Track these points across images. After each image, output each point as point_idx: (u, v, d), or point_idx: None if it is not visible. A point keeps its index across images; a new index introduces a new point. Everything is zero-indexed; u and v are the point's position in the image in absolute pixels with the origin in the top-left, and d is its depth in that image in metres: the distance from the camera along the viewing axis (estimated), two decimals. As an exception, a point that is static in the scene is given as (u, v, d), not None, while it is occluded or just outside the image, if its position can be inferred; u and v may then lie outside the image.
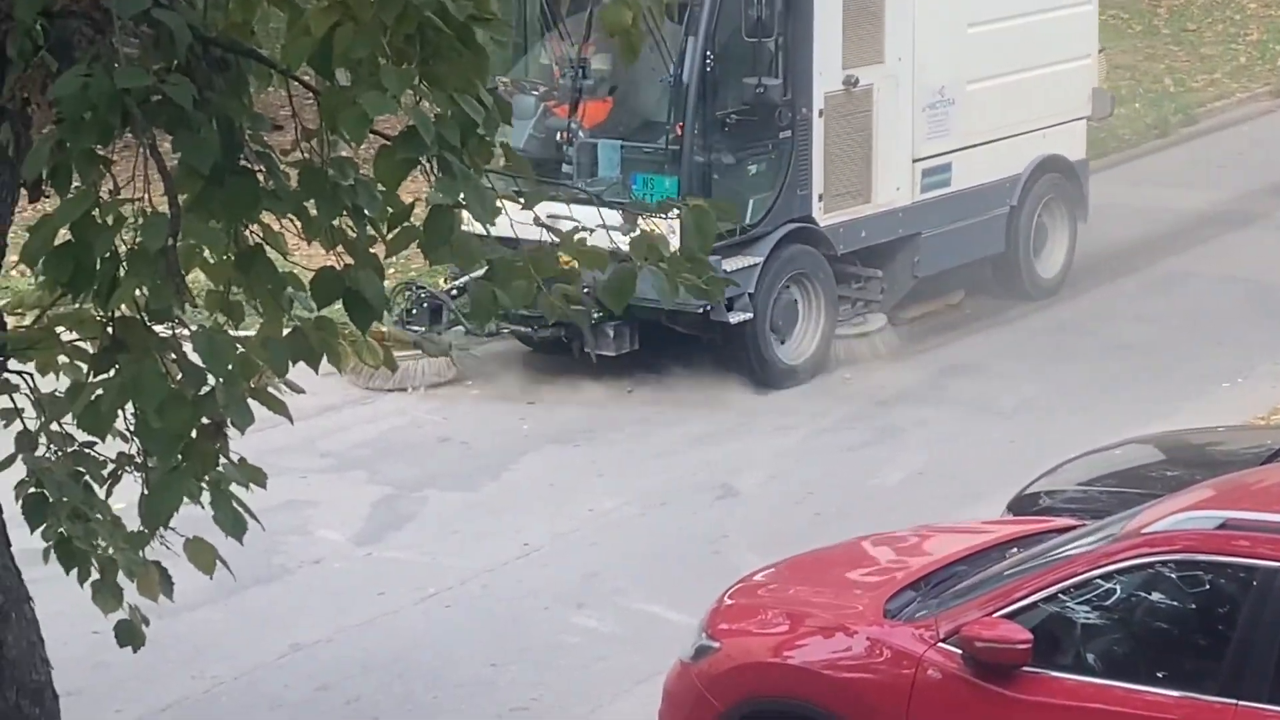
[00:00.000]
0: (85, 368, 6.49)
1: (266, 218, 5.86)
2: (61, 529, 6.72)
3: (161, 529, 6.34)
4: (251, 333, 5.96)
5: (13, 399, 6.67)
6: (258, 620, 11.79)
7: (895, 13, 16.15)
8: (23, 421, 6.76)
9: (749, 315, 15.22)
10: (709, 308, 14.82)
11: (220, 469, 6.22)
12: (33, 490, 6.64)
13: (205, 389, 5.78)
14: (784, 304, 15.62)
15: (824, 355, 15.89)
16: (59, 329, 6.70)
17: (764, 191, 15.61)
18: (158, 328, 5.77)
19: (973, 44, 16.74)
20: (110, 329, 5.84)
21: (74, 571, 6.96)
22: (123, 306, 5.72)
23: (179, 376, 5.70)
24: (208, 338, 5.57)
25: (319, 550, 12.82)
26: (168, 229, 5.36)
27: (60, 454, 6.81)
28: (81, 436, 6.72)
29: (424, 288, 15.81)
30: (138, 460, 6.66)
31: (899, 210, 16.51)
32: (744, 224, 15.27)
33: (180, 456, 5.88)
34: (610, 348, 15.08)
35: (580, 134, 15.63)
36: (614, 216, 6.18)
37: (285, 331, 5.86)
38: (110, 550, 6.79)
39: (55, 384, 6.84)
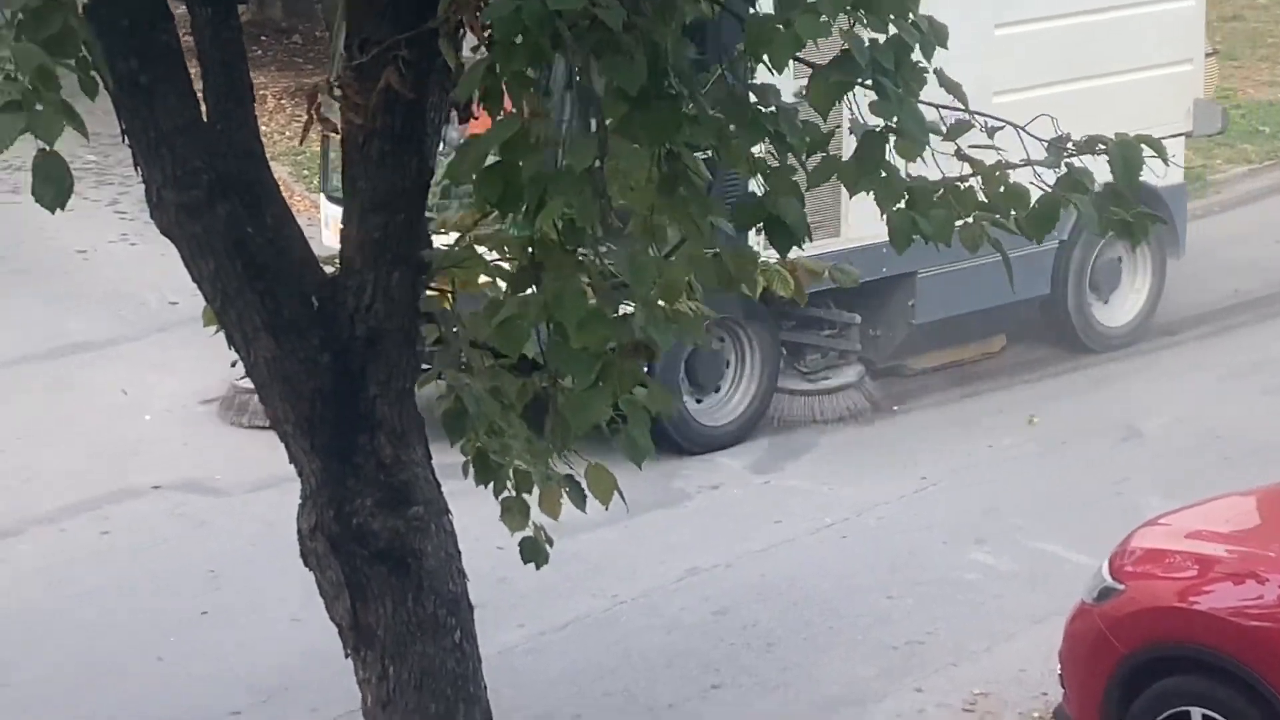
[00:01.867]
0: (505, 286, 6.65)
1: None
2: (479, 444, 6.88)
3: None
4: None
5: (436, 317, 6.84)
6: (656, 543, 11.96)
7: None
8: (444, 338, 6.92)
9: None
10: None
11: (632, 393, 6.28)
12: (452, 405, 6.80)
13: (624, 310, 5.86)
14: (705, 357, 13.25)
15: (757, 416, 13.57)
16: (480, 249, 6.86)
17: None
18: (578, 249, 5.87)
19: (1002, 49, 13.78)
20: (531, 249, 5.95)
21: (482, 488, 7.14)
22: (546, 227, 5.82)
23: (601, 295, 5.79)
24: (631, 257, 5.65)
25: (718, 476, 12.94)
26: (595, 150, 5.44)
27: (478, 370, 6.96)
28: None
29: None
30: (547, 381, 6.78)
31: (883, 245, 14.40)
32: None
33: (597, 376, 5.96)
34: None
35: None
36: (1037, 150, 6.06)
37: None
38: (523, 466, 6.93)
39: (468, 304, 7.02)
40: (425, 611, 6.56)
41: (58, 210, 5.10)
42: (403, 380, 6.58)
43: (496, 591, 10.64)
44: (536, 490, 6.95)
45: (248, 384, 13.39)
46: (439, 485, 6.70)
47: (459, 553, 6.72)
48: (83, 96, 5.31)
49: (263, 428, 12.36)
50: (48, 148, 4.99)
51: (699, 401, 13.34)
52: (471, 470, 7.02)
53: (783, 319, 13.61)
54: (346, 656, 6.74)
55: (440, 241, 6.80)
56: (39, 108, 4.92)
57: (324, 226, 13.90)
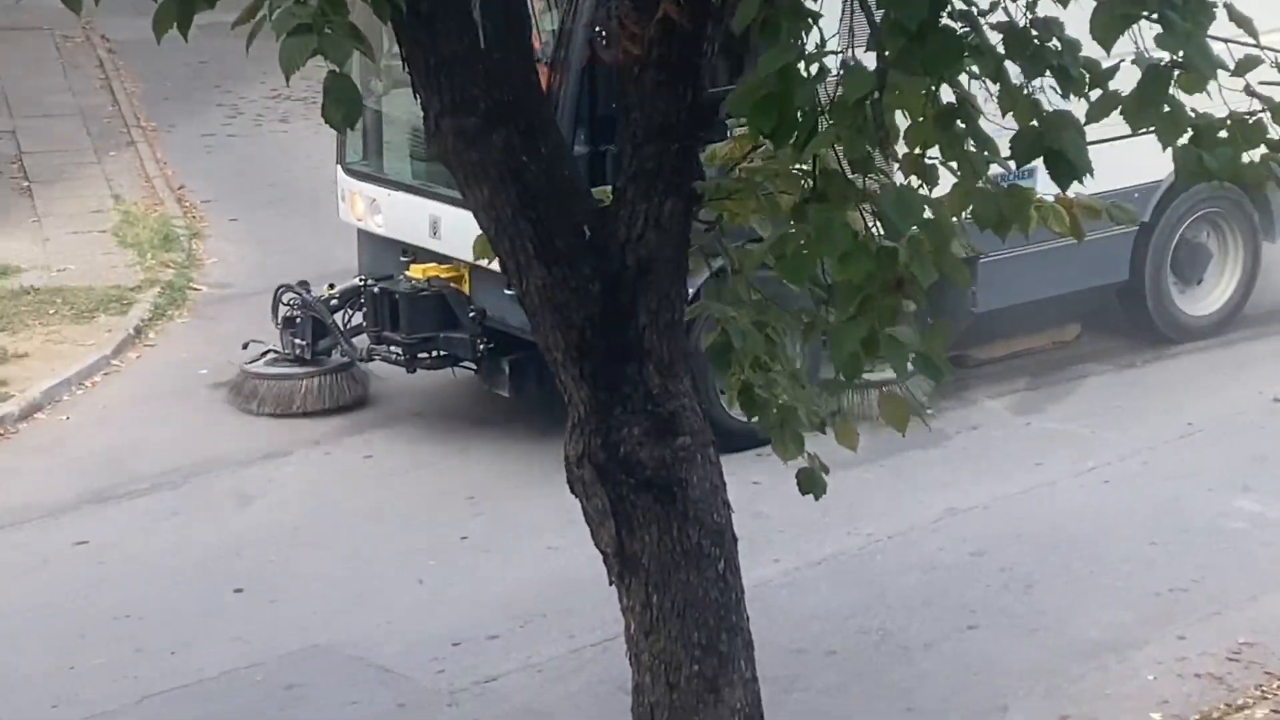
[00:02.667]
0: (777, 220, 6.63)
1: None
2: (744, 377, 6.88)
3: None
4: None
5: (703, 248, 6.84)
6: (914, 482, 11.89)
7: None
8: (711, 271, 6.93)
9: None
10: None
11: (895, 329, 6.23)
12: (718, 338, 6.80)
13: (891, 244, 5.81)
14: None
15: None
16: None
17: None
18: (858, 181, 5.83)
19: None
20: (810, 181, 5.92)
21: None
22: (824, 157, 5.78)
23: (868, 229, 5.75)
24: (896, 194, 5.61)
25: (978, 417, 12.83)
26: (871, 82, 5.39)
27: (745, 304, 6.95)
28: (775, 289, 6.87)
29: (303, 293, 13.15)
30: (815, 315, 6.75)
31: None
32: None
33: (857, 309, 5.93)
34: (504, 386, 12.48)
35: None
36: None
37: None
38: (789, 399, 6.91)
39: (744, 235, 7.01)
40: (690, 541, 6.58)
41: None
42: (671, 311, 6.59)
43: (752, 526, 10.64)
44: (807, 421, 6.90)
45: (255, 368, 13.14)
46: (704, 416, 6.71)
47: (724, 484, 6.74)
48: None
49: (273, 415, 12.92)
50: (337, 69, 5.05)
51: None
52: (736, 403, 7.00)
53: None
54: (610, 584, 6.79)
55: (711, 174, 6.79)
56: (328, 31, 4.98)
57: (340, 200, 13.47)
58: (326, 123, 5.11)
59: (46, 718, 9.71)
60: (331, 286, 13.21)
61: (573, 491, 6.74)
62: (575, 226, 6.43)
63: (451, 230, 12.09)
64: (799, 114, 5.52)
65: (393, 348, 12.64)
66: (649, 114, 6.29)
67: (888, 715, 9.54)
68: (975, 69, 5.60)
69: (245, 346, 13.33)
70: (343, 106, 5.05)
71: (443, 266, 12.55)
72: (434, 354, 12.59)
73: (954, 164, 5.77)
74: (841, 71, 5.60)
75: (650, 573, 6.60)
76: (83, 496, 12.11)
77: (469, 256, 11.65)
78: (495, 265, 11.49)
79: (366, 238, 13.33)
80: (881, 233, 5.89)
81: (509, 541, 11.61)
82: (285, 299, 13.18)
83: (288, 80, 5.12)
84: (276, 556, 11.38)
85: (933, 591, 10.68)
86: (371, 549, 11.48)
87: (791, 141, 5.60)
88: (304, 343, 13.02)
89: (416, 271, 12.56)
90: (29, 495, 12.13)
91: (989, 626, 10.28)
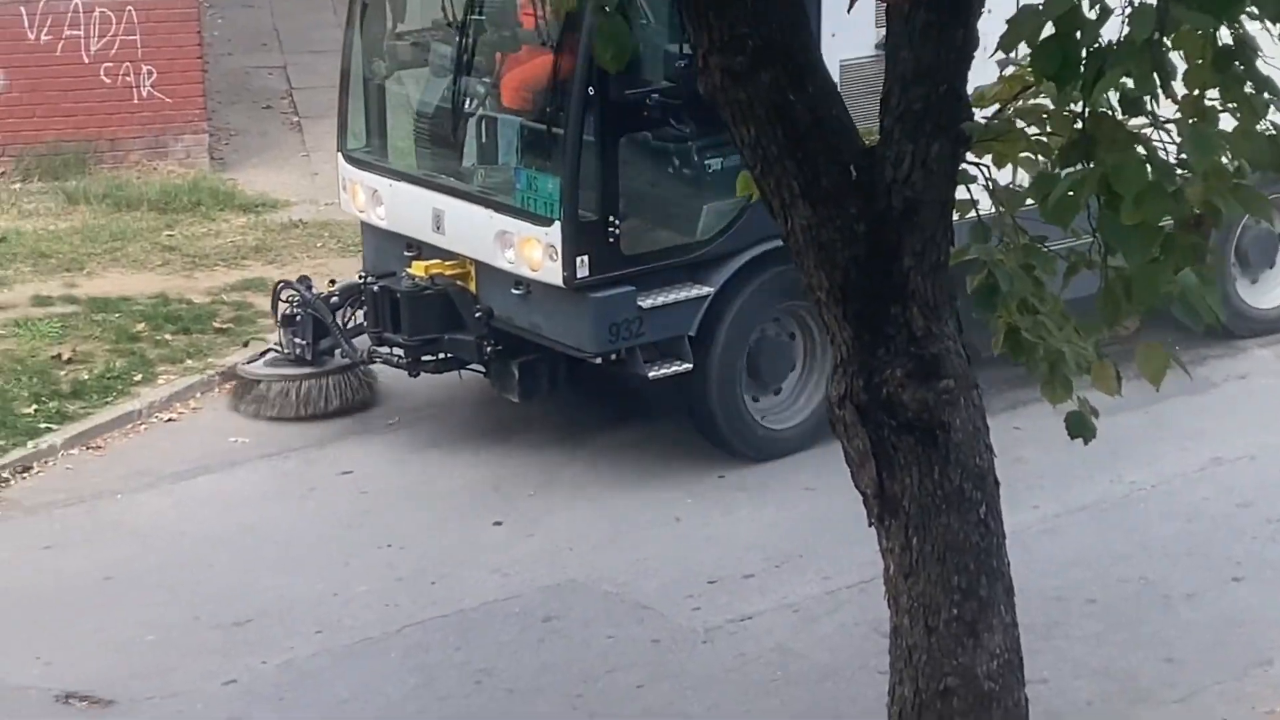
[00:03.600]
0: (1047, 161, 6.54)
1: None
2: (1010, 320, 6.80)
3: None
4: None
5: (969, 190, 6.77)
6: (1179, 431, 11.73)
7: None
8: (977, 213, 6.85)
9: (683, 367, 11.38)
10: (621, 353, 11.20)
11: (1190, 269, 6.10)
12: (984, 280, 6.72)
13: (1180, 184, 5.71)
14: (771, 349, 11.78)
15: (822, 418, 12.16)
16: (1020, 123, 6.76)
17: (730, 196, 11.70)
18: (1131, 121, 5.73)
19: None
20: (1082, 123, 5.83)
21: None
22: (1095, 99, 5.69)
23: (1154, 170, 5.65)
24: (1194, 129, 5.50)
25: (1246, 365, 12.62)
26: (1154, 22, 5.28)
27: (1012, 246, 6.87)
28: (1033, 230, 6.79)
29: (302, 290, 12.47)
30: (1080, 258, 6.65)
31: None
32: (696, 239, 11.40)
33: (1159, 251, 5.84)
34: (514, 391, 11.76)
35: (484, 105, 11.86)
36: None
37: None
38: (1057, 342, 6.82)
39: (1011, 177, 6.93)
40: (951, 484, 6.53)
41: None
42: (937, 253, 6.53)
43: (1013, 471, 10.54)
44: (1075, 364, 6.81)
45: (251, 370, 12.49)
46: (969, 358, 6.66)
47: (987, 427, 6.67)
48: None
49: (272, 419, 12.32)
50: (608, 9, 5.06)
51: (755, 400, 11.81)
52: (1002, 346, 6.93)
53: None
54: (869, 525, 6.77)
55: (980, 115, 6.71)
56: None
57: (341, 190, 12.73)
58: (598, 61, 5.11)
59: (311, 643, 9.94)
60: (333, 283, 12.68)
61: (833, 431, 6.72)
62: (841, 166, 6.39)
63: (456, 224, 11.67)
64: (1083, 55, 5.44)
65: (394, 350, 11.91)
66: (918, 55, 6.22)
67: (1146, 665, 9.43)
68: (1254, 9, 5.46)
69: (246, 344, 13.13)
70: (613, 44, 5.06)
71: (447, 263, 11.78)
72: (438, 356, 11.90)
73: (1233, 105, 5.64)
74: (1128, 7, 5.49)
75: (910, 515, 6.56)
76: (348, 428, 12.36)
77: (473, 252, 11.55)
78: (501, 263, 11.19)
79: (370, 231, 12.59)
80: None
81: (766, 481, 11.64)
82: (284, 295, 12.51)
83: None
84: (535, 491, 11.51)
85: (1195, 542, 10.53)
86: (627, 484, 11.56)
87: (1077, 83, 5.52)
88: (304, 342, 12.34)
89: (419, 268, 11.80)
90: (296, 424, 12.39)
91: (1254, 579, 10.11)
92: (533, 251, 11.15)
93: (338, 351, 12.40)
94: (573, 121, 10.91)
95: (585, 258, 10.99)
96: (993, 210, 6.90)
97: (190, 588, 10.50)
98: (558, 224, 11.01)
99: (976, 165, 6.85)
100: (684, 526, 11.14)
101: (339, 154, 12.68)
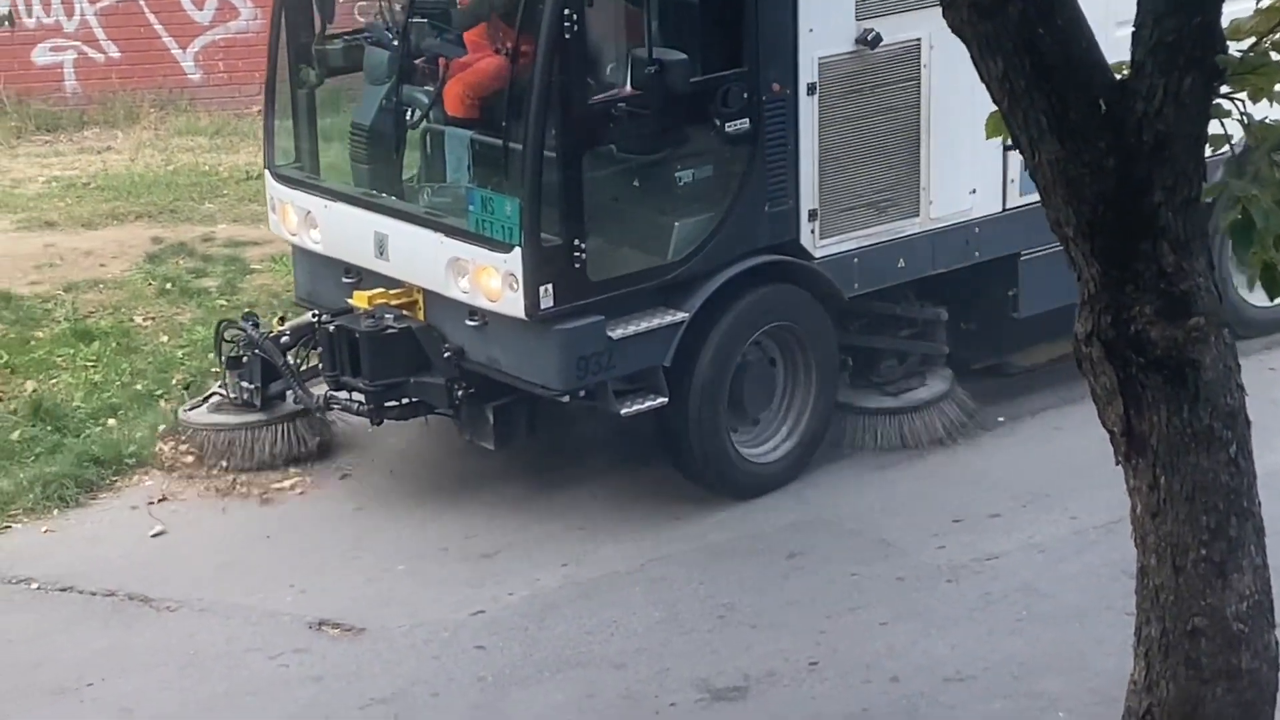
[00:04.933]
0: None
1: None
2: (1267, 257, 6.67)
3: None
4: None
5: (1223, 124, 6.64)
6: None
7: None
8: (1231, 148, 6.72)
9: (658, 401, 10.30)
10: (587, 392, 10.13)
11: None
12: (1239, 217, 6.60)
13: None
14: (753, 377, 10.74)
15: (813, 445, 10.97)
16: (1276, 56, 6.61)
17: (703, 213, 10.43)
18: None
19: None
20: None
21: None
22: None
23: None
24: None
25: None
26: None
27: (1268, 182, 6.73)
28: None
29: (248, 329, 11.23)
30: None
31: (975, 224, 11.18)
32: (668, 260, 10.29)
33: None
34: (488, 438, 10.55)
35: (429, 116, 10.84)
36: None
37: None
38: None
39: (1267, 111, 6.79)
40: (1200, 423, 6.44)
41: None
42: (1188, 188, 6.43)
43: (1267, 412, 10.30)
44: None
45: (194, 416, 11.16)
46: (1220, 295, 6.55)
47: (1238, 366, 6.56)
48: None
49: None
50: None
51: (733, 431, 10.76)
52: (1258, 283, 6.80)
53: (848, 320, 11.13)
54: (1116, 464, 6.70)
55: (1235, 48, 6.58)
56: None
57: (271, 210, 11.59)
58: None
59: (557, 576, 10.08)
60: (282, 320, 11.59)
61: (1080, 369, 6.66)
62: (1090, 100, 6.31)
63: (401, 250, 10.54)
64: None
65: (354, 396, 10.64)
66: (1172, -15, 6.13)
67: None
68: None
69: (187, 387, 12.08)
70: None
71: (391, 292, 10.62)
72: (403, 402, 10.59)
73: None
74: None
75: (1158, 454, 6.48)
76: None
77: (422, 280, 10.43)
78: (455, 292, 10.14)
79: (302, 254, 11.46)
80: None
81: (1013, 422, 11.57)
82: (228, 335, 11.35)
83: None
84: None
85: None
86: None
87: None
88: (252, 386, 11.18)
89: (360, 299, 10.62)
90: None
91: None
92: (490, 280, 9.97)
93: (290, 395, 11.16)
94: (532, 134, 9.71)
95: (549, 286, 9.84)
96: (1247, 144, 6.76)
97: (439, 521, 10.68)
98: (518, 250, 9.81)
99: (1231, 99, 6.72)
100: (928, 465, 11.10)
101: (266, 171, 11.61)
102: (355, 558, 10.32)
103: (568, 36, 9.67)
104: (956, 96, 10.60)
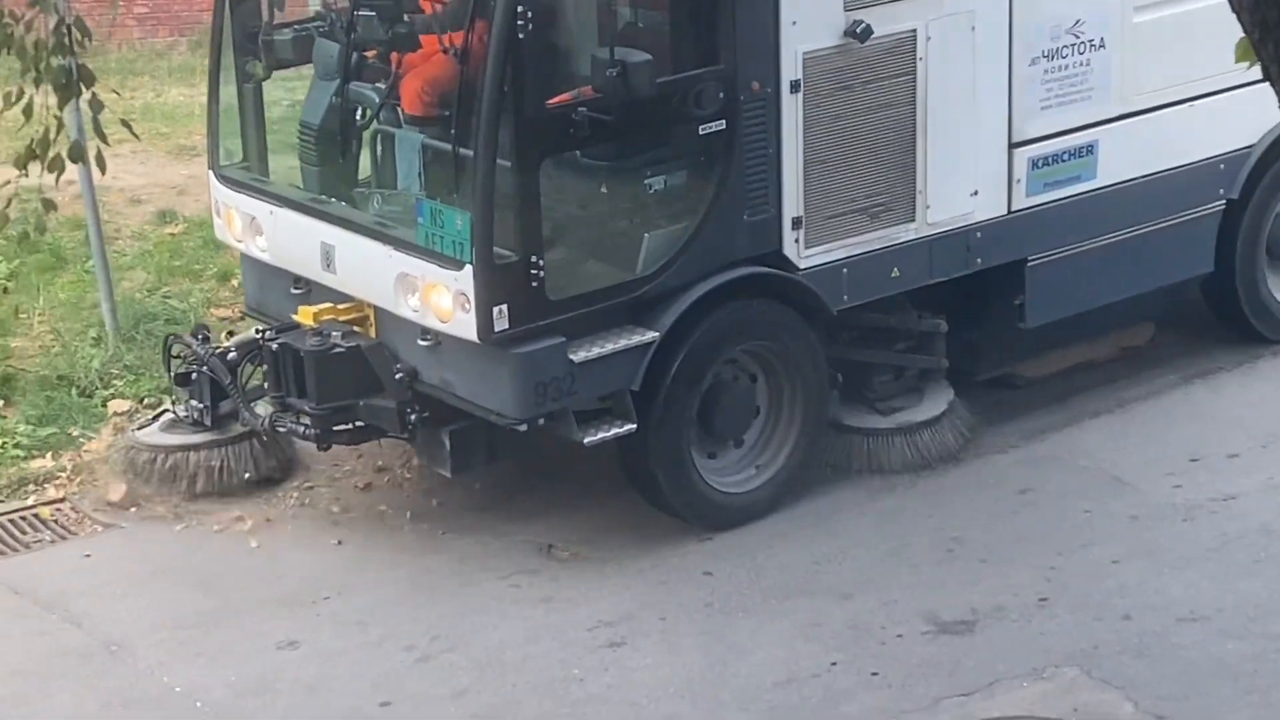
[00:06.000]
0: None
1: None
2: None
3: None
4: None
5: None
6: None
7: None
8: None
9: (626, 428, 9.48)
10: (546, 418, 9.29)
11: None
12: None
13: None
14: (728, 396, 9.87)
15: (793, 472, 10.09)
16: None
17: (676, 222, 9.58)
18: None
19: None
20: None
21: None
22: None
23: None
24: None
25: None
26: None
27: None
28: None
29: (194, 345, 10.43)
30: None
31: (976, 229, 10.30)
32: (637, 275, 9.45)
33: None
34: (444, 464, 9.67)
35: (379, 116, 9.93)
36: None
37: None
38: None
39: None
40: None
41: None
42: None
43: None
44: None
45: (144, 436, 10.27)
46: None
47: None
48: None
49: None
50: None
51: (711, 457, 9.99)
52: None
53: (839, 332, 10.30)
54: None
55: None
56: None
57: (215, 215, 10.72)
58: None
59: (787, 504, 10.05)
60: (230, 334, 10.98)
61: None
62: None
63: (349, 262, 9.69)
64: None
65: (301, 418, 9.85)
66: None
67: None
68: None
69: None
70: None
71: (340, 307, 9.82)
72: (353, 425, 9.72)
73: None
74: None
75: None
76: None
77: (371, 296, 9.56)
78: (405, 310, 9.24)
79: (250, 263, 10.64)
80: None
81: (1252, 360, 11.46)
82: (176, 351, 10.56)
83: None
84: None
85: None
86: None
87: None
88: (202, 405, 10.41)
89: (306, 315, 9.82)
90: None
91: None
92: (440, 299, 9.16)
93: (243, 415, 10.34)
94: (483, 142, 8.82)
95: (504, 307, 8.96)
96: None
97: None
98: (469, 268, 8.97)
99: None
100: (1165, 403, 10.93)
101: (210, 173, 10.69)
102: (588, 484, 10.38)
103: (521, 35, 8.79)
104: (956, 91, 10.00)
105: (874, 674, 8.59)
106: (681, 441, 9.67)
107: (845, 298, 10.00)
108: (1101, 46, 10.49)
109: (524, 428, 9.25)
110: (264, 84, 10.36)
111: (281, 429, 10.00)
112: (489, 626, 9.13)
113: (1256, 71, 7.26)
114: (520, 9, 8.77)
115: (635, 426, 9.47)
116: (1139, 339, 11.71)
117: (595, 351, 9.26)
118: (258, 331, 10.27)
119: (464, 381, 9.36)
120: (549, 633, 9.08)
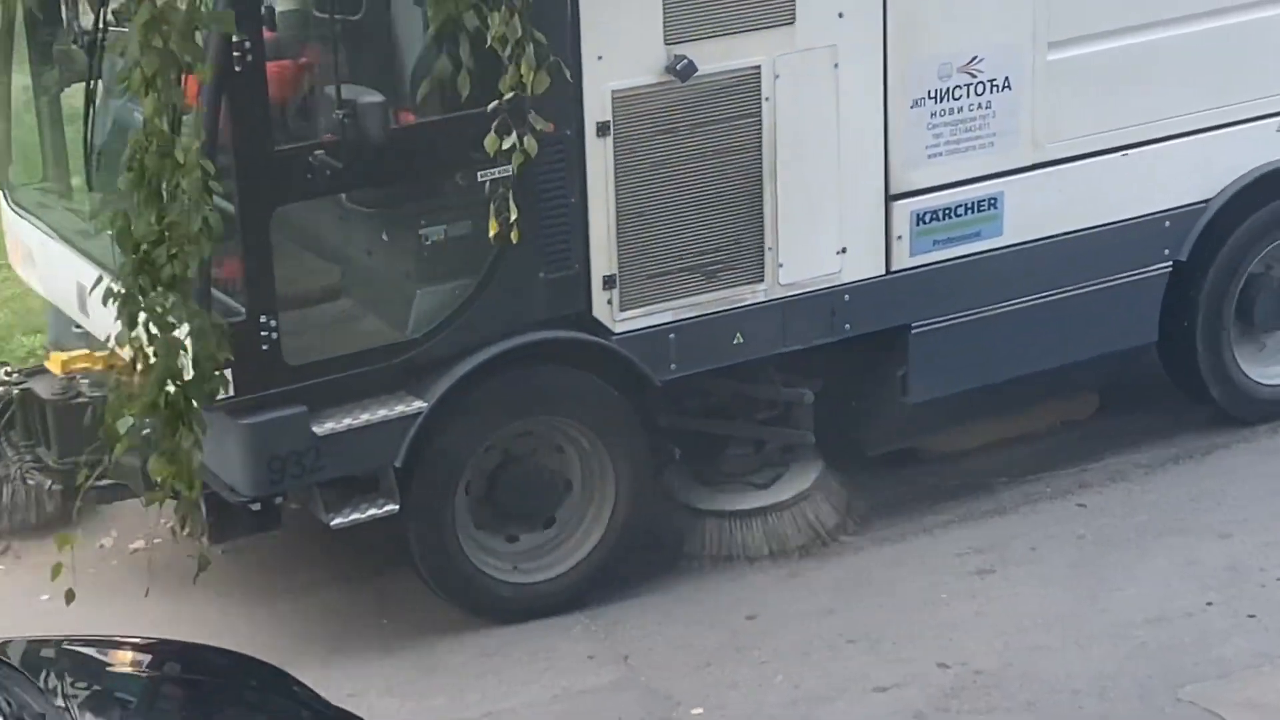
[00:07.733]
0: None
1: None
2: None
3: None
4: None
5: None
6: None
7: None
8: None
9: (386, 509, 8.47)
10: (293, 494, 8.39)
11: None
12: None
13: None
14: (525, 475, 8.91)
15: (605, 560, 9.02)
16: None
17: (456, 278, 8.52)
18: None
19: None
20: None
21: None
22: None
23: None
24: None
25: None
26: None
27: None
28: None
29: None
30: None
31: (844, 291, 9.10)
32: (406, 337, 8.48)
33: None
34: (200, 530, 8.30)
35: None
36: None
37: None
38: None
39: None
40: None
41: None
42: None
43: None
44: None
45: None
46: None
47: None
48: None
49: None
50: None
51: (511, 541, 9.07)
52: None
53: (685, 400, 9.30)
54: None
55: None
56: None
57: (7, 237, 9.83)
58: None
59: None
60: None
61: None
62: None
63: (98, 305, 7.88)
64: None
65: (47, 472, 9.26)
66: None
67: None
68: None
69: None
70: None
71: (97, 355, 8.94)
72: (101, 483, 8.65)
73: None
74: None
75: None
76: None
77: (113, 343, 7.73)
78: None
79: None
80: None
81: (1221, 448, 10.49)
82: None
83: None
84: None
85: None
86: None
87: None
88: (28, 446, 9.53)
89: (55, 362, 9.02)
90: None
91: None
92: None
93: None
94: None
95: (227, 371, 7.79)
96: None
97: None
98: (187, 326, 7.63)
99: None
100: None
101: (1, 193, 9.81)
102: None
103: (239, 68, 7.81)
104: (814, 137, 8.82)
105: (1250, 616, 8.52)
106: (445, 532, 8.67)
107: (673, 366, 8.89)
108: (1006, 87, 9.19)
109: (257, 506, 8.30)
110: (58, 99, 9.57)
111: (30, 481, 9.34)
112: (855, 548, 9.33)
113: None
114: (237, 40, 7.73)
115: (397, 508, 8.49)
116: (1081, 411, 10.46)
117: (346, 424, 8.30)
118: (6, 373, 9.56)
119: (208, 449, 8.10)
120: (916, 556, 9.27)
